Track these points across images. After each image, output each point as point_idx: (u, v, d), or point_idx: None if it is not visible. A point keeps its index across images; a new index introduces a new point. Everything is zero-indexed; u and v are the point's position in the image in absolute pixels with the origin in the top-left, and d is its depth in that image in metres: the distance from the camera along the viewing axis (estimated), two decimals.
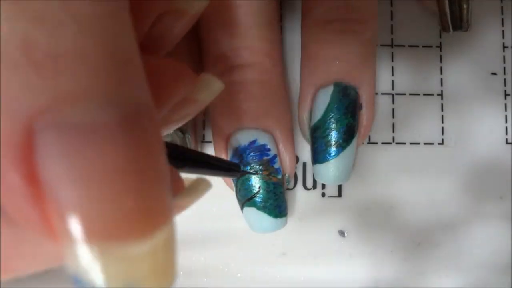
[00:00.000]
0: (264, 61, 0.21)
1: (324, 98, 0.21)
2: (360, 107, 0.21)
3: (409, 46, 0.24)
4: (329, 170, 0.21)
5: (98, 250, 0.08)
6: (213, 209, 0.23)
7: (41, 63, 0.08)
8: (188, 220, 0.23)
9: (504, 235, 0.24)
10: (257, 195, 0.20)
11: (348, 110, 0.21)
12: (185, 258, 0.23)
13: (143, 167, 0.08)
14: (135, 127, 0.08)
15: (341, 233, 0.24)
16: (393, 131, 0.24)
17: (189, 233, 0.23)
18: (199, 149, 0.24)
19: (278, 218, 0.21)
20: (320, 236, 0.24)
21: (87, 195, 0.08)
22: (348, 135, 0.21)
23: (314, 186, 0.24)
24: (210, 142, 0.23)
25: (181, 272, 0.23)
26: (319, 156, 0.21)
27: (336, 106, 0.21)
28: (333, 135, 0.21)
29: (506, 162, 0.24)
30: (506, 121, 0.24)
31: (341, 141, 0.21)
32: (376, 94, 0.24)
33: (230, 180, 0.22)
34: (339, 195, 0.24)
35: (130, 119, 0.08)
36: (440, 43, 0.24)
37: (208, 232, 0.23)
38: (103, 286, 0.08)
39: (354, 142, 0.21)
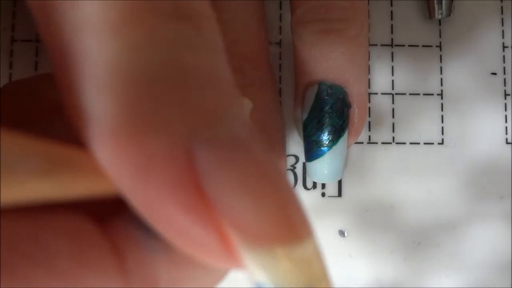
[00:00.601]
0: (242, 66, 0.20)
1: (310, 98, 0.21)
2: (349, 106, 0.21)
3: (409, 46, 0.24)
4: (316, 169, 0.21)
5: (277, 253, 0.08)
6: None
7: (193, 84, 0.08)
8: None
9: (504, 235, 0.24)
10: None
11: (333, 110, 0.21)
12: None
13: (282, 178, 0.09)
14: (260, 144, 0.09)
15: (341, 233, 0.24)
16: (393, 131, 0.24)
17: None
18: None
19: None
20: (320, 236, 0.23)
21: (254, 202, 0.08)
22: (334, 135, 0.21)
23: (314, 186, 0.24)
24: None
25: None
26: (307, 155, 0.22)
27: (321, 105, 0.21)
28: (319, 135, 0.21)
29: (506, 162, 0.24)
30: (506, 121, 0.24)
31: (326, 141, 0.21)
32: (376, 94, 0.24)
33: None
34: (339, 195, 0.24)
35: (255, 137, 0.09)
36: (440, 43, 0.24)
37: None
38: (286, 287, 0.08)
39: (342, 141, 0.21)
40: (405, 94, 0.24)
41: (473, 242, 0.24)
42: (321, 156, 0.21)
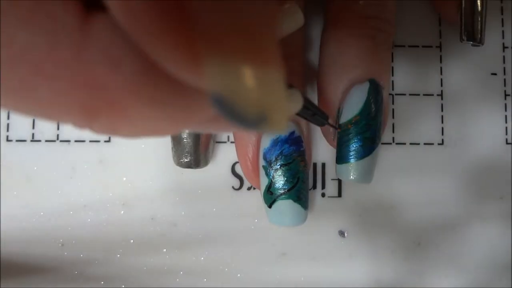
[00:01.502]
0: None
1: (361, 94, 0.21)
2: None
3: (409, 46, 0.24)
4: (362, 168, 0.21)
5: (241, 68, 0.08)
6: (213, 209, 0.23)
7: None
8: (188, 220, 0.23)
9: (504, 235, 0.24)
10: (296, 187, 0.21)
11: (381, 107, 0.21)
12: (185, 258, 0.23)
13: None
14: None
15: (341, 233, 0.24)
16: (393, 131, 0.24)
17: (189, 233, 0.23)
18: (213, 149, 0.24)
19: (307, 210, 0.21)
20: (320, 236, 0.24)
21: (231, 16, 0.08)
22: (380, 132, 0.21)
23: (314, 186, 0.24)
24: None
25: (181, 272, 0.23)
26: (350, 154, 0.21)
27: (373, 102, 0.21)
28: (371, 132, 0.21)
29: (506, 162, 0.24)
30: (506, 121, 0.24)
31: (376, 137, 0.21)
32: None
33: (257, 176, 0.22)
34: (339, 195, 0.24)
35: None
36: (440, 43, 0.24)
37: (208, 232, 0.23)
38: (241, 107, 0.08)
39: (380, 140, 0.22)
40: (405, 94, 0.24)
41: (473, 242, 0.24)
42: (370, 154, 0.21)
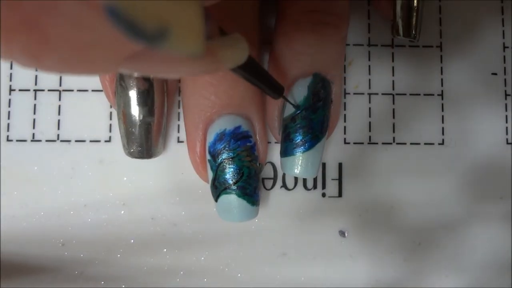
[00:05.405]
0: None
1: (303, 89, 0.21)
2: (331, 101, 0.21)
3: (409, 46, 0.24)
4: (306, 162, 0.21)
5: None
6: (213, 209, 0.23)
7: None
8: (188, 220, 0.23)
9: (504, 235, 0.24)
10: (240, 181, 0.20)
11: (325, 102, 0.21)
12: (185, 258, 0.23)
13: None
14: None
15: (341, 233, 0.24)
16: (394, 131, 0.24)
17: (189, 233, 0.23)
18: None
19: (255, 206, 0.21)
20: (320, 236, 0.24)
21: None
22: (324, 127, 0.21)
23: (315, 186, 0.24)
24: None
25: (181, 272, 0.23)
26: (293, 148, 0.21)
27: (314, 96, 0.21)
28: (313, 125, 0.21)
29: (506, 162, 0.24)
30: (506, 121, 0.24)
31: (318, 132, 0.21)
32: (376, 94, 0.24)
33: (204, 170, 0.22)
34: (339, 195, 0.24)
35: None
36: (440, 43, 0.24)
37: (208, 232, 0.23)
38: (139, 18, 0.08)
39: (326, 135, 0.21)
40: (405, 94, 0.24)
41: (473, 242, 0.24)
42: (309, 149, 0.21)
